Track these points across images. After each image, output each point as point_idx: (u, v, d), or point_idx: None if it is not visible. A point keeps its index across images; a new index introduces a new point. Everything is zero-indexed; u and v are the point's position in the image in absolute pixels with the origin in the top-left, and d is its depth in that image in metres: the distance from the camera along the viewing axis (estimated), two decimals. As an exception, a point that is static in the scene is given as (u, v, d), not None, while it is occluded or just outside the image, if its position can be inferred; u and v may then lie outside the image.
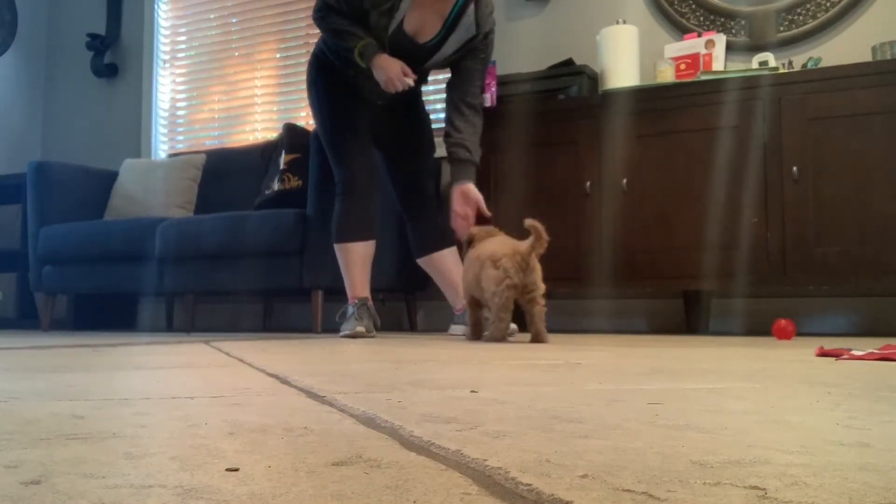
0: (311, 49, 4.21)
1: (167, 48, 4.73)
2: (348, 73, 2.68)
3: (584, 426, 0.62)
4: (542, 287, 2.17)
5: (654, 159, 2.82)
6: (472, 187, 2.57)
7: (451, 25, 2.54)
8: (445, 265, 2.79)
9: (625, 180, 2.85)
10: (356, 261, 2.72)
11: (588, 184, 2.91)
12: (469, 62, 2.61)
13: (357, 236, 2.70)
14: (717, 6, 3.23)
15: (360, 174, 2.72)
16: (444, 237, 2.78)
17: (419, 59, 2.60)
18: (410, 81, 2.51)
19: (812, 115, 2.60)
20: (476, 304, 2.34)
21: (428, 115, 2.93)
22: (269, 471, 0.46)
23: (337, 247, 2.74)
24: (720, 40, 3.00)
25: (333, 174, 2.77)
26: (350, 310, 2.69)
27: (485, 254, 2.21)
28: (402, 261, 3.30)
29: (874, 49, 2.78)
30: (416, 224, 2.84)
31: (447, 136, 2.62)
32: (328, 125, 2.76)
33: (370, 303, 2.72)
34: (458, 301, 2.77)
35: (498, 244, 2.21)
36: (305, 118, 4.25)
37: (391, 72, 2.49)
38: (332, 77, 2.75)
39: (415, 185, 2.83)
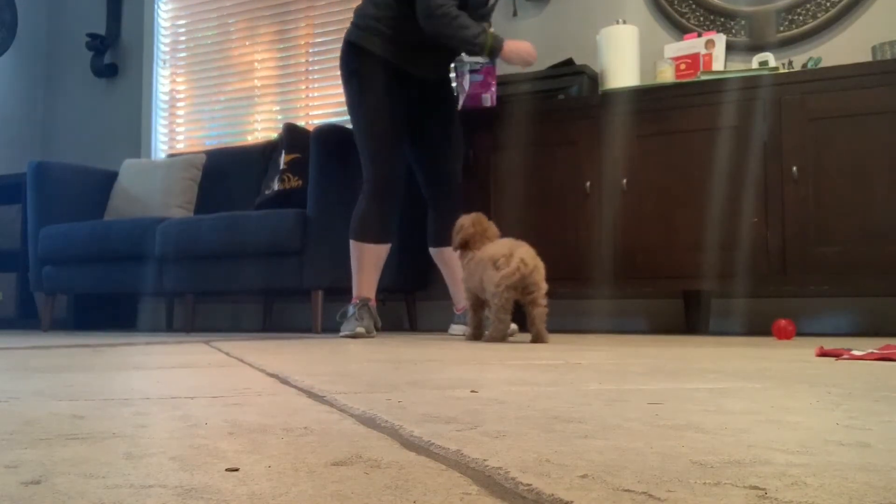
0: (313, 48, 4.25)
1: (167, 48, 4.73)
2: (395, 58, 2.64)
3: (584, 426, 0.62)
4: (544, 287, 2.17)
5: (654, 159, 2.82)
6: None
7: None
8: (457, 261, 2.79)
9: (625, 180, 2.85)
10: (369, 262, 2.71)
11: (588, 184, 2.90)
12: None
13: (375, 238, 2.69)
14: (717, 6, 3.23)
15: (392, 177, 2.69)
16: None
17: (478, 5, 2.65)
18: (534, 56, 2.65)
19: (812, 115, 2.60)
20: (478, 304, 2.34)
21: (456, 104, 2.94)
22: (269, 471, 0.46)
23: (353, 244, 2.72)
24: (720, 40, 3.00)
25: (364, 170, 2.71)
26: (351, 310, 2.69)
27: (486, 256, 2.22)
28: (403, 261, 3.30)
29: (874, 49, 2.78)
30: (439, 214, 2.82)
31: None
32: (370, 122, 2.68)
33: (372, 304, 2.72)
34: (461, 299, 2.77)
35: (497, 246, 2.22)
36: (305, 118, 4.25)
37: (526, 48, 2.63)
38: (373, 65, 2.67)
39: (445, 174, 2.81)
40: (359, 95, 2.70)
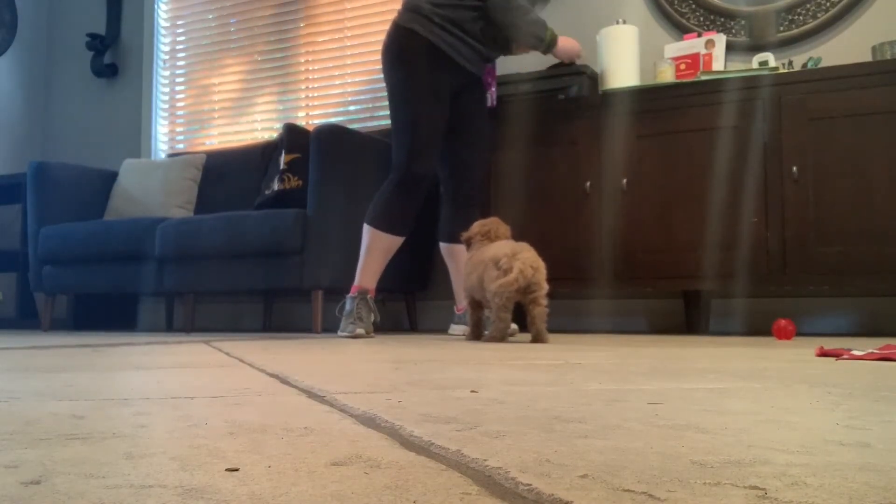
0: (313, 48, 4.25)
1: (167, 48, 4.73)
2: (447, 46, 2.60)
3: (584, 426, 0.62)
4: (545, 287, 2.17)
5: (654, 159, 2.82)
6: None
7: None
8: (463, 259, 2.79)
9: (625, 180, 2.85)
10: (378, 250, 2.69)
11: (588, 184, 2.90)
12: None
13: (391, 229, 2.67)
14: (717, 6, 3.23)
15: (425, 174, 2.65)
16: None
17: None
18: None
19: (812, 115, 2.60)
20: (477, 305, 2.34)
21: (487, 106, 2.93)
22: (269, 471, 0.46)
23: (367, 228, 2.69)
24: (720, 40, 3.00)
25: (396, 158, 2.65)
26: (349, 304, 2.68)
27: (486, 256, 2.22)
28: (403, 261, 3.30)
29: (874, 49, 2.78)
30: (454, 210, 2.80)
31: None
32: (419, 113, 2.62)
33: (371, 295, 2.71)
34: (463, 299, 2.77)
35: (498, 247, 2.22)
36: (305, 118, 4.25)
37: (574, 46, 2.79)
38: (425, 53, 2.60)
39: (469, 174, 2.79)
40: (407, 82, 2.63)
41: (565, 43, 2.75)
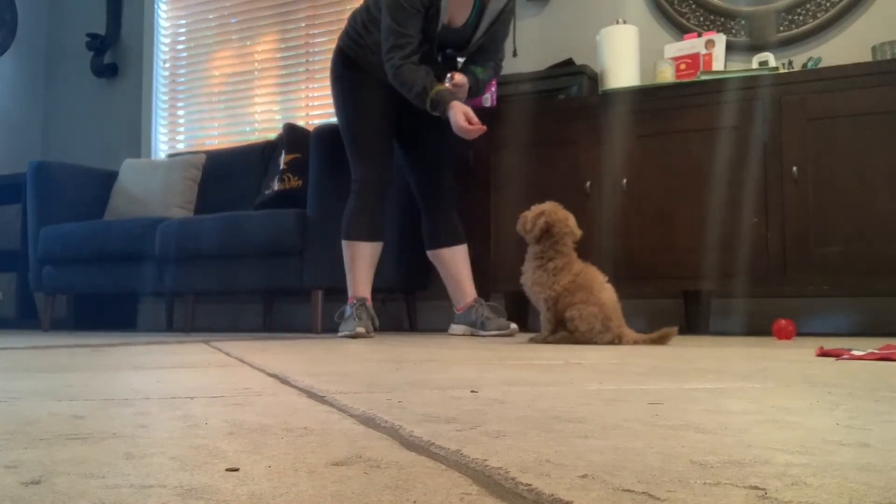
0: (313, 48, 4.25)
1: (167, 48, 4.73)
2: (375, 67, 2.67)
3: (584, 426, 0.62)
4: None
5: (654, 159, 2.82)
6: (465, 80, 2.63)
7: (481, 3, 2.61)
8: (453, 261, 2.79)
9: (625, 180, 2.85)
10: (361, 260, 2.72)
11: (588, 184, 2.90)
12: (499, 27, 2.68)
13: (366, 236, 2.71)
14: (717, 6, 3.23)
15: (379, 176, 2.73)
16: (456, 233, 2.80)
17: (460, 44, 2.67)
18: (483, 127, 2.52)
19: (812, 115, 2.60)
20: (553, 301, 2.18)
21: None
22: (269, 471, 0.46)
23: (344, 243, 2.74)
24: (720, 40, 3.00)
25: (350, 170, 2.77)
26: (348, 310, 2.70)
27: (604, 296, 2.13)
28: (402, 261, 3.30)
29: (874, 49, 2.78)
30: (431, 216, 2.84)
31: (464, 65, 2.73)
32: (352, 123, 2.76)
33: (369, 303, 2.72)
34: (461, 299, 2.77)
35: (600, 288, 2.16)
36: (305, 118, 4.25)
37: (462, 122, 2.49)
38: (358, 72, 2.74)
39: (434, 177, 2.83)
40: (342, 97, 2.79)
41: (456, 112, 2.50)
